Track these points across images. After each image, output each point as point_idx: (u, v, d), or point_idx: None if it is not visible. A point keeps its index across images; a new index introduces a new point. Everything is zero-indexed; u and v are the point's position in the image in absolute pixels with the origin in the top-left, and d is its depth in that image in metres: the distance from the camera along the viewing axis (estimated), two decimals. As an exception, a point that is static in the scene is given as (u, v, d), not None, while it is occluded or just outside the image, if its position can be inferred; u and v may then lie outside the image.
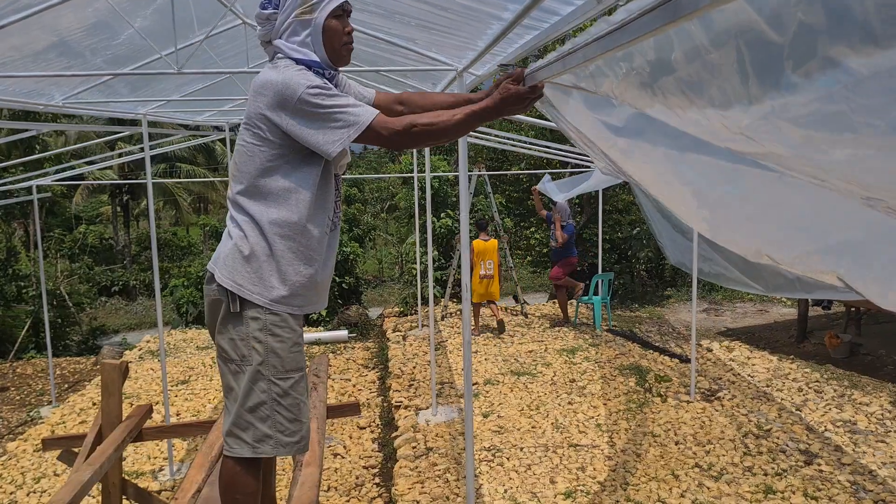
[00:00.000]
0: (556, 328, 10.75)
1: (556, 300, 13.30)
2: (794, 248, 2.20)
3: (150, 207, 6.96)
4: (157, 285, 6.75)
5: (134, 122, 7.22)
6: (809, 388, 7.79)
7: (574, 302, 11.29)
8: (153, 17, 4.83)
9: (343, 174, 2.48)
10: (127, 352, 11.62)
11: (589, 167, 9.98)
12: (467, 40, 2.84)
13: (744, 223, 2.22)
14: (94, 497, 5.41)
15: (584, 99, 2.08)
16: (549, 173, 12.19)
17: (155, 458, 6.97)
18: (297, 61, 2.23)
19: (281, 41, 2.25)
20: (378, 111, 2.16)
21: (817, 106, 0.95)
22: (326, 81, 2.21)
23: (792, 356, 9.15)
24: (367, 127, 2.11)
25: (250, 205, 2.25)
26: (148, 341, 12.10)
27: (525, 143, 11.10)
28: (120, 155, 14.72)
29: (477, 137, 11.33)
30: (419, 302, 11.35)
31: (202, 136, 10.72)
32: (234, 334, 2.28)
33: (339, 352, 10.87)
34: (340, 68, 2.35)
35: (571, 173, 13.25)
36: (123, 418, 3.72)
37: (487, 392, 7.82)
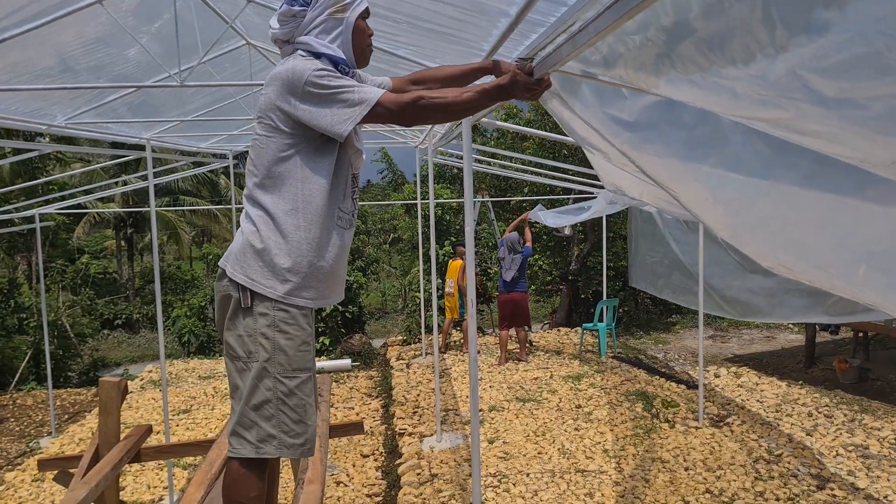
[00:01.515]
0: (558, 356, 10.64)
1: (559, 329, 13.23)
2: (811, 258, 2.14)
3: (154, 235, 6.94)
4: (160, 313, 6.70)
5: (138, 148, 7.22)
6: (819, 412, 7.66)
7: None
8: (157, 39, 4.84)
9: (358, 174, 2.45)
10: (129, 382, 11.48)
11: (591, 194, 9.93)
12: (472, 44, 2.82)
13: (759, 225, 2.16)
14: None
15: (593, 92, 2.04)
16: (551, 199, 12.17)
17: (155, 487, 6.85)
18: (321, 56, 2.22)
19: (309, 38, 2.24)
20: (384, 90, 2.16)
21: (851, 49, 0.89)
22: (332, 67, 2.20)
23: (801, 382, 9.02)
24: (375, 103, 2.10)
25: (264, 197, 2.23)
26: (150, 371, 11.99)
27: (527, 166, 11.10)
28: (124, 183, 14.73)
29: (479, 164, 11.35)
30: (423, 330, 11.26)
31: (206, 165, 10.74)
32: (241, 330, 2.24)
33: (342, 381, 10.75)
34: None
35: (575, 200, 13.24)
36: (121, 438, 3.63)
37: (493, 419, 7.70)
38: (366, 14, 2.30)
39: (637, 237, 11.21)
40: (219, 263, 2.34)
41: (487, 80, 2.08)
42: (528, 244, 10.56)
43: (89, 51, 4.43)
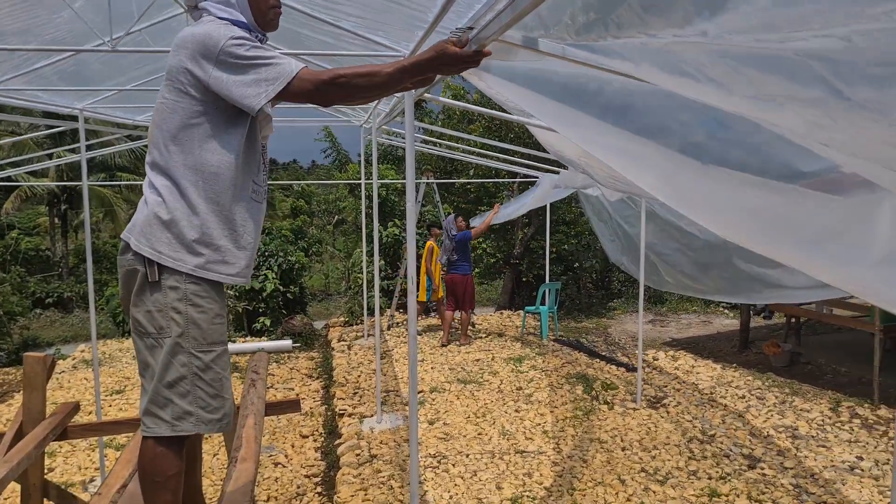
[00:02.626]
0: (501, 339, 10.70)
1: (502, 311, 13.31)
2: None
3: (86, 210, 6.71)
4: (91, 291, 6.50)
5: (71, 119, 6.96)
6: (752, 395, 7.87)
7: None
8: (91, 5, 4.64)
9: (266, 144, 2.37)
10: (60, 361, 11.15)
11: (536, 177, 9.98)
12: (414, 14, 2.76)
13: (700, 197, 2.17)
14: (8, 498, 5.12)
15: (530, 67, 2.01)
16: (496, 182, 12.17)
17: (86, 468, 6.66)
18: (222, 20, 2.13)
19: (208, 2, 2.16)
20: (304, 64, 2.06)
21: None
22: (246, 33, 2.11)
23: (735, 365, 9.25)
24: (293, 77, 2.02)
25: (170, 166, 2.12)
26: (82, 351, 11.65)
27: (474, 147, 11.08)
28: (57, 156, 14.22)
29: (425, 145, 11.29)
30: (365, 312, 11.18)
31: (143, 139, 10.41)
32: (150, 305, 2.14)
33: (282, 361, 10.62)
34: (269, 33, 2.28)
35: (520, 185, 13.30)
36: (47, 416, 3.50)
37: (433, 400, 7.70)
38: None
39: (596, 220, 11.19)
40: (121, 236, 2.21)
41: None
42: (472, 230, 10.47)
43: (16, 11, 4.22)
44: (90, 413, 7.76)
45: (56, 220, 26.75)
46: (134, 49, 4.46)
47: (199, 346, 2.16)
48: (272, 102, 2.07)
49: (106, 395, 8.69)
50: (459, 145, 11.62)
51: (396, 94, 5.50)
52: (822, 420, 7.03)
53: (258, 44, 2.09)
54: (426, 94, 3.49)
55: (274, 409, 3.78)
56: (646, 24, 1.21)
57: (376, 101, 6.75)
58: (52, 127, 7.63)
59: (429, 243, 10.94)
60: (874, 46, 0.87)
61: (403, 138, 11.25)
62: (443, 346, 10.18)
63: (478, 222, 11.43)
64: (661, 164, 2.03)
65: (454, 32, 1.99)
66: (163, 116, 2.13)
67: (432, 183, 11.86)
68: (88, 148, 8.71)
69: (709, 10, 1.00)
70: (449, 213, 10.97)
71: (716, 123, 1.76)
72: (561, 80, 2.02)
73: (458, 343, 10.25)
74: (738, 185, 1.83)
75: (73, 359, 11.14)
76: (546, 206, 11.45)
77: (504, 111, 3.13)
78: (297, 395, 8.80)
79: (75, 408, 3.67)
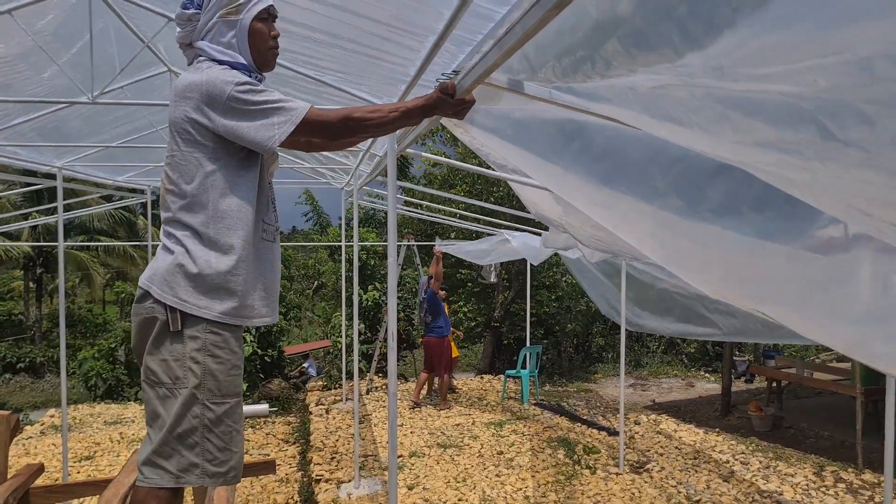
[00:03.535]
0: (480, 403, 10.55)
1: (483, 375, 13.17)
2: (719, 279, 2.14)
3: (61, 273, 6.59)
4: (63, 355, 6.37)
5: (49, 178, 6.92)
6: (736, 459, 7.77)
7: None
8: (74, 64, 4.65)
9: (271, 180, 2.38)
10: (27, 427, 10.82)
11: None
12: (398, 66, 2.78)
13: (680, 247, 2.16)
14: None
15: (516, 119, 2.02)
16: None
17: (49, 537, 6.38)
18: (221, 63, 2.14)
19: (204, 42, 2.17)
20: (311, 104, 2.10)
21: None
22: (247, 76, 2.12)
23: (717, 429, 9.16)
24: (302, 118, 2.05)
25: (190, 217, 2.12)
26: (52, 416, 11.31)
27: (456, 208, 11.12)
28: (30, 217, 14.09)
29: (407, 207, 11.33)
30: (344, 376, 11.01)
31: (123, 200, 10.38)
32: (167, 355, 2.10)
33: (258, 427, 10.37)
34: (265, 73, 2.29)
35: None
36: (9, 477, 3.35)
37: (413, 464, 7.52)
38: (265, 14, 2.21)
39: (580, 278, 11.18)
40: (140, 284, 2.18)
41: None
42: (433, 284, 10.28)
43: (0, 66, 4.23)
44: (56, 480, 7.48)
45: (31, 283, 26.39)
46: (114, 102, 4.44)
47: (214, 398, 2.12)
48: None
49: (74, 462, 8.41)
50: (441, 206, 11.68)
51: (377, 154, 5.53)
52: (807, 485, 6.93)
53: (262, 87, 2.11)
54: (408, 150, 3.50)
55: (248, 470, 3.65)
56: (633, 60, 1.21)
57: (357, 164, 6.79)
58: (30, 185, 7.57)
59: None
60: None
61: (385, 200, 11.30)
62: (414, 404, 10.02)
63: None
64: (646, 221, 2.03)
65: (442, 77, 2.02)
66: (178, 170, 2.13)
67: (413, 246, 11.86)
68: (66, 208, 8.64)
69: (699, 40, 1.00)
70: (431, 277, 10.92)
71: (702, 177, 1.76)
72: (548, 130, 2.03)
73: (438, 407, 10.09)
74: (724, 243, 1.83)
75: (42, 424, 10.80)
76: (527, 269, 11.48)
77: (489, 167, 3.14)
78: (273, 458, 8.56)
79: (39, 469, 3.53)
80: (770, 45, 0.89)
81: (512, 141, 2.24)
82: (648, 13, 1.08)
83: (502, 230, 9.37)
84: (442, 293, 11.27)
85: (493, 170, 3.06)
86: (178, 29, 2.19)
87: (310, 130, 2.08)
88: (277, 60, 2.31)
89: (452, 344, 11.16)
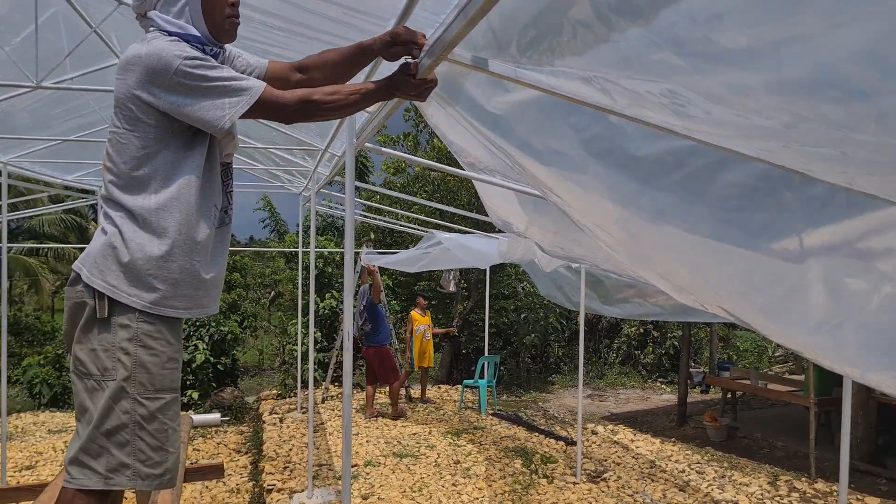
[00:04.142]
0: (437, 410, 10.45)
1: (440, 385, 13.09)
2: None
3: (3, 274, 6.31)
4: (4, 361, 6.13)
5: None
6: (692, 469, 7.78)
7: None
8: (20, 52, 4.47)
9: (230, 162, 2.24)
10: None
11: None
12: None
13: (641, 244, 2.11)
14: None
15: (477, 87, 1.94)
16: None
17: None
18: (171, 34, 1.99)
19: (155, 12, 2.01)
20: (266, 84, 1.96)
21: None
22: (205, 54, 1.99)
23: (673, 439, 9.19)
24: (256, 100, 1.92)
25: (128, 198, 1.98)
26: (-8, 424, 10.90)
27: (415, 213, 11.04)
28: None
29: (367, 214, 11.22)
30: (299, 384, 10.81)
31: (73, 200, 10.08)
32: (95, 344, 1.95)
33: (209, 436, 10.10)
34: (226, 44, 2.14)
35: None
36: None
37: (368, 474, 7.38)
38: None
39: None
40: (73, 266, 2.04)
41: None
42: (373, 296, 10.11)
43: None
44: (-5, 489, 7.17)
45: (-25, 288, 25.54)
46: (59, 87, 4.26)
47: (146, 393, 1.97)
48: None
49: (14, 471, 8.08)
50: (400, 212, 11.59)
51: (336, 153, 5.43)
52: (762, 494, 6.96)
53: (214, 62, 1.96)
54: (367, 144, 3.41)
55: (195, 474, 3.51)
56: (605, 24, 1.14)
57: (315, 166, 6.67)
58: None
59: (412, 312, 11.14)
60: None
61: (343, 205, 11.16)
62: (371, 417, 9.91)
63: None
64: (629, 226, 1.98)
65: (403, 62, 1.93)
66: (117, 147, 1.99)
67: (373, 253, 11.73)
68: (12, 208, 8.34)
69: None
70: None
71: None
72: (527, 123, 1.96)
73: (391, 416, 9.94)
74: (694, 246, 1.79)
75: (-19, 433, 10.40)
76: (486, 279, 11.43)
77: (459, 167, 3.04)
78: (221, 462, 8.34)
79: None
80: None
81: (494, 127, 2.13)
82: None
83: (433, 231, 9.27)
84: (423, 301, 11.29)
85: (463, 169, 2.97)
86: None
87: (263, 111, 1.95)
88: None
89: (429, 353, 11.13)
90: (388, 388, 10.18)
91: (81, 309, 1.99)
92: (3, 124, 5.56)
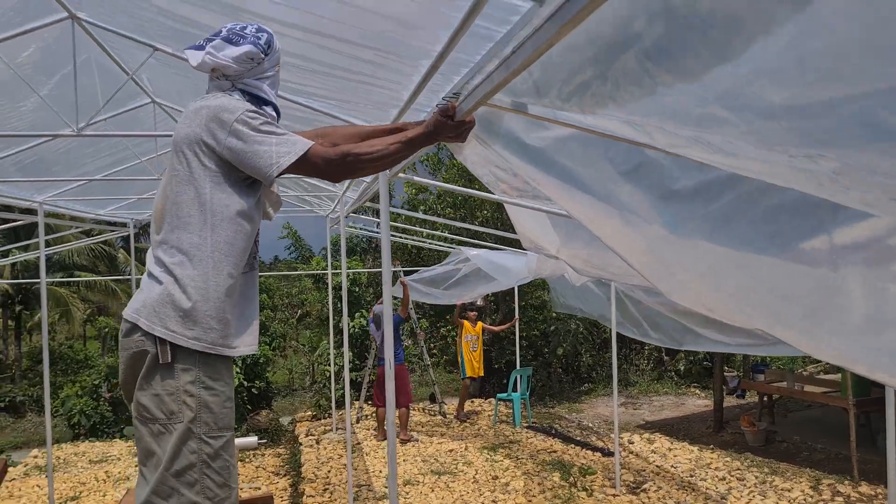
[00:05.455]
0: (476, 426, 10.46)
1: (473, 400, 13.10)
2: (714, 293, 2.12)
3: (44, 310, 6.48)
4: (48, 393, 6.24)
5: (29, 213, 6.82)
6: (732, 476, 7.73)
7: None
8: (56, 97, 4.59)
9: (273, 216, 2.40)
10: (10, 468, 10.58)
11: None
12: (385, 94, 2.75)
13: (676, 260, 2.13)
14: None
15: (515, 126, 1.99)
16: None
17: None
18: (268, 104, 2.26)
19: (263, 84, 2.26)
20: (313, 142, 2.10)
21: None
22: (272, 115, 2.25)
23: (711, 446, 9.12)
24: (303, 153, 2.05)
25: (182, 239, 2.08)
26: (35, 457, 11.08)
27: (440, 231, 11.10)
28: (8, 254, 13.89)
29: (395, 234, 11.29)
30: (333, 405, 10.89)
31: (105, 234, 10.25)
32: (159, 389, 2.04)
33: (247, 460, 10.19)
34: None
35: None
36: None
37: (408, 493, 7.42)
38: None
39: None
40: (125, 317, 2.12)
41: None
42: (401, 311, 10.05)
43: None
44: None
45: (9, 321, 25.99)
46: (99, 134, 4.38)
47: (210, 432, 2.06)
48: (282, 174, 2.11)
49: (60, 503, 8.21)
50: (424, 230, 11.65)
51: (366, 179, 5.49)
52: (805, 500, 6.90)
53: (271, 121, 2.14)
54: (400, 175, 3.47)
55: (246, 506, 3.56)
56: (652, 78, 1.18)
57: (345, 190, 6.75)
58: (8, 221, 7.47)
59: (464, 322, 11.20)
60: None
61: (367, 226, 11.23)
62: (381, 439, 9.78)
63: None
64: (649, 240, 2.01)
65: (442, 102, 2.00)
66: (175, 189, 2.11)
67: (400, 272, 11.79)
68: (47, 244, 8.51)
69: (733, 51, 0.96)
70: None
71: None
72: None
73: (400, 440, 9.58)
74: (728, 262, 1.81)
75: (25, 465, 10.57)
76: (515, 291, 11.44)
77: (487, 191, 3.08)
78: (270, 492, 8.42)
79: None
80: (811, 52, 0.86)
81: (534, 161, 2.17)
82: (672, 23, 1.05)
83: (461, 247, 9.34)
84: (472, 314, 11.26)
85: (492, 193, 3.02)
86: (234, 64, 2.17)
87: (310, 167, 2.08)
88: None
89: (475, 363, 11.16)
90: (399, 410, 9.88)
91: (142, 357, 2.07)
92: (39, 166, 5.70)
